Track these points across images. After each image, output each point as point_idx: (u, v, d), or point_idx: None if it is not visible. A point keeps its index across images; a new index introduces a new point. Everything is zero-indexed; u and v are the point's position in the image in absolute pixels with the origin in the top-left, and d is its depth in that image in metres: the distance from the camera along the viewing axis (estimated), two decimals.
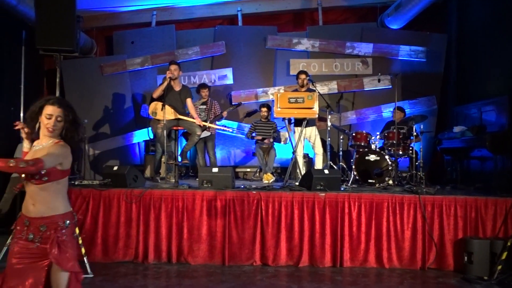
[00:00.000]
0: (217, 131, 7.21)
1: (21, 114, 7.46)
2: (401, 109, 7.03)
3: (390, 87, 7.83)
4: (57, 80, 4.76)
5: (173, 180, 5.71)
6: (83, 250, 4.36)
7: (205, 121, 6.62)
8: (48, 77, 8.21)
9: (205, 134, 6.75)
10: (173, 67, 6.02)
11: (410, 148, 6.36)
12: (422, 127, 6.28)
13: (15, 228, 2.39)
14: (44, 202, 2.34)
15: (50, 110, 2.36)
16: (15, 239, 2.37)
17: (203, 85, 7.21)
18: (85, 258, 4.32)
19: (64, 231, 2.36)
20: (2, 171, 2.14)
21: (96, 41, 8.46)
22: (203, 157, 7.07)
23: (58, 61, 4.70)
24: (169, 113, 5.79)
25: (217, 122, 7.03)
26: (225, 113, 7.09)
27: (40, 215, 2.33)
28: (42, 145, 2.39)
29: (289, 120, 6.30)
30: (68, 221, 2.40)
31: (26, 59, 7.49)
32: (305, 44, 8.18)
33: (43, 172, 2.27)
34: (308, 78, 6.57)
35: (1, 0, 6.22)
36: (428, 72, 8.05)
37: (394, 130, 6.11)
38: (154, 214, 4.85)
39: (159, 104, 5.76)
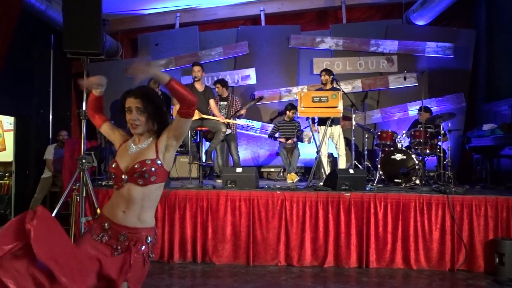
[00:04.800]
0: (239, 131, 7.21)
1: (50, 117, 7.68)
2: (427, 109, 6.85)
3: (416, 84, 7.69)
4: None
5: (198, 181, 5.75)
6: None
7: (226, 118, 6.61)
8: (75, 80, 8.39)
9: (227, 131, 6.69)
10: (196, 68, 6.08)
11: (438, 147, 6.21)
12: (450, 125, 6.13)
13: (92, 225, 2.15)
14: (137, 211, 2.07)
15: (128, 102, 2.12)
16: (88, 234, 2.10)
17: (216, 81, 7.13)
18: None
19: (144, 248, 2.07)
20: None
21: (121, 43, 8.62)
22: (222, 157, 7.00)
23: (85, 64, 4.78)
24: None
25: (237, 119, 6.99)
26: (243, 111, 6.92)
27: (127, 224, 2.06)
28: (139, 146, 2.14)
29: (313, 119, 6.25)
30: (150, 238, 2.11)
31: (55, 63, 7.70)
32: (329, 42, 8.12)
33: (153, 170, 2.05)
34: (332, 76, 6.50)
35: (31, 6, 6.40)
36: (456, 69, 7.86)
37: (421, 129, 5.98)
38: (179, 214, 4.90)
39: None
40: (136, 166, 2.05)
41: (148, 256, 2.09)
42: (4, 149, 7.82)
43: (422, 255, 4.69)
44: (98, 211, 2.13)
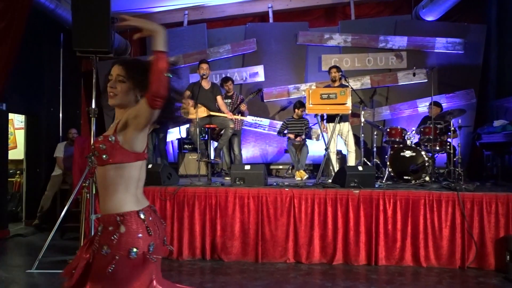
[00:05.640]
0: (248, 128, 7.20)
1: (60, 115, 7.75)
2: (437, 104, 6.81)
3: (426, 81, 7.62)
4: (94, 81, 4.88)
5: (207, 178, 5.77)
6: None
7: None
8: (85, 78, 8.46)
9: None
10: (205, 65, 6.09)
11: (448, 144, 6.16)
12: (460, 122, 6.07)
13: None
14: (103, 194, 1.86)
15: (112, 70, 1.87)
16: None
17: (226, 79, 7.15)
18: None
19: (115, 237, 1.74)
20: None
21: (130, 41, 8.65)
22: (229, 154, 7.00)
23: (94, 63, 4.81)
24: (201, 111, 5.87)
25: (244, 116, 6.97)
26: (243, 106, 6.78)
27: (103, 212, 1.87)
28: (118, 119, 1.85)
29: (322, 116, 6.23)
30: (123, 227, 1.76)
31: (64, 61, 7.77)
32: (337, 39, 8.07)
33: (102, 147, 1.80)
34: (340, 73, 6.47)
35: (40, 5, 6.46)
36: (466, 65, 7.78)
37: (431, 125, 5.93)
38: (188, 211, 4.92)
39: (192, 102, 5.84)
40: (92, 146, 1.85)
41: (116, 250, 1.72)
42: (15, 147, 7.91)
43: (432, 252, 4.66)
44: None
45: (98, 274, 1.73)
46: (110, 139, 1.78)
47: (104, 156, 1.78)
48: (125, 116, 1.79)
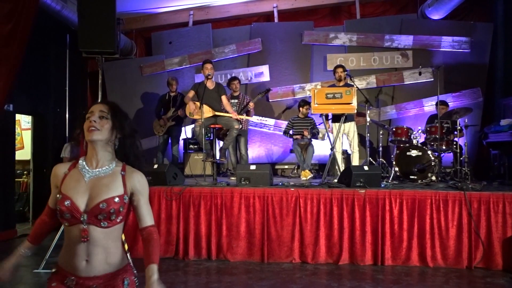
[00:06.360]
0: (253, 128, 7.20)
1: (67, 115, 7.79)
2: (443, 103, 6.78)
3: (432, 80, 7.58)
4: (99, 81, 4.90)
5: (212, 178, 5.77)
6: (126, 247, 4.48)
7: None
8: (91, 78, 8.50)
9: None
10: (209, 65, 6.09)
11: (454, 143, 6.13)
12: (466, 121, 6.03)
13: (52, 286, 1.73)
14: (103, 254, 1.69)
15: (92, 107, 1.77)
16: None
17: (232, 78, 7.18)
18: (128, 255, 4.44)
19: None
20: None
21: (135, 42, 8.69)
22: (235, 154, 6.97)
23: (100, 63, 4.84)
24: (206, 111, 5.87)
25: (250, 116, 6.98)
26: (252, 104, 6.81)
27: (95, 274, 1.68)
28: (99, 170, 1.75)
29: (326, 116, 6.21)
30: (127, 280, 1.76)
31: (70, 62, 7.80)
32: (342, 38, 8.05)
33: (121, 210, 1.71)
34: (345, 72, 6.45)
35: (46, 6, 6.49)
36: (473, 63, 7.73)
37: (437, 124, 5.90)
38: (194, 211, 4.92)
39: (197, 103, 5.85)
40: (101, 206, 1.66)
41: None
42: (22, 147, 7.95)
43: (439, 252, 4.64)
44: (54, 270, 1.77)
45: None
46: (125, 199, 1.73)
47: (119, 219, 1.72)
48: (134, 184, 1.76)
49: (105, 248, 1.69)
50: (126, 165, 1.80)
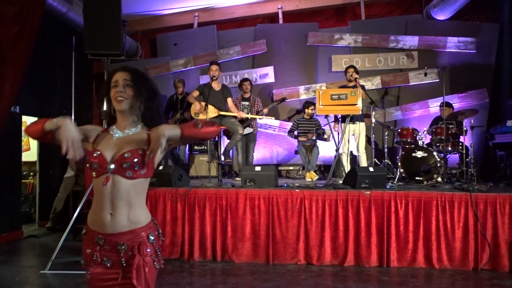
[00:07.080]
0: (259, 129, 7.21)
1: (72, 117, 7.82)
2: (448, 104, 6.75)
3: (438, 80, 7.56)
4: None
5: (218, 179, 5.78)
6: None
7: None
8: (97, 80, 8.53)
9: (248, 130, 6.65)
10: (214, 67, 6.11)
11: (460, 144, 6.10)
12: (472, 122, 6.00)
13: (85, 256, 1.84)
14: (126, 209, 1.78)
15: (115, 77, 1.87)
16: (88, 269, 1.83)
17: (244, 79, 7.19)
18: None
19: (149, 250, 1.82)
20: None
21: (140, 44, 8.72)
22: (243, 156, 7.03)
23: (106, 65, 4.86)
24: (211, 112, 5.89)
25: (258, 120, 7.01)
26: (266, 110, 6.90)
27: (119, 229, 1.78)
28: (125, 132, 1.87)
29: (335, 116, 6.19)
30: (152, 236, 1.85)
31: (76, 64, 7.84)
32: (347, 39, 8.04)
33: (145, 161, 1.77)
34: (357, 73, 6.42)
35: (52, 8, 6.53)
36: (479, 64, 7.70)
37: (443, 125, 5.88)
38: (199, 212, 4.93)
39: (202, 104, 5.87)
40: (126, 156, 1.76)
41: (157, 256, 1.87)
42: (29, 149, 7.99)
43: (445, 254, 4.61)
44: (84, 231, 1.85)
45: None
46: (139, 152, 1.78)
47: (143, 171, 1.79)
48: (157, 135, 1.70)
49: (129, 202, 1.79)
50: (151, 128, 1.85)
